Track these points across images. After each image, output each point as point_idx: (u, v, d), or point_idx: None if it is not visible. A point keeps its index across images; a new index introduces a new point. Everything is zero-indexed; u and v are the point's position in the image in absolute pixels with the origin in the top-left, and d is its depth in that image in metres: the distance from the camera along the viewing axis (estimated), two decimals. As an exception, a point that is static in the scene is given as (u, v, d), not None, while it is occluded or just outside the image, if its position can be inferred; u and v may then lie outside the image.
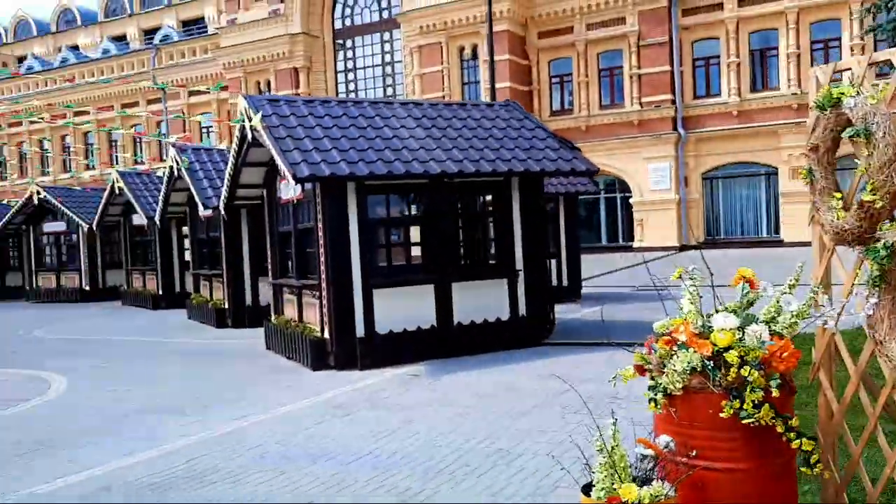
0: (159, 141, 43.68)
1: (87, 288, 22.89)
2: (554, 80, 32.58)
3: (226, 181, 11.80)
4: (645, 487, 2.89)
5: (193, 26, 51.14)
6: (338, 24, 37.53)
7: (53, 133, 47.07)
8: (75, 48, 57.56)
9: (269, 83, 37.94)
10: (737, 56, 28.91)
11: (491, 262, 10.34)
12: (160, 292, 19.32)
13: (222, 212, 12.42)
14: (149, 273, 19.94)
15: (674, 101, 29.87)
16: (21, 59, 60.50)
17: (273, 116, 9.66)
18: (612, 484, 2.96)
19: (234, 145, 11.07)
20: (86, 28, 58.75)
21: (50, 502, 5.09)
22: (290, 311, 10.98)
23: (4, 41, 63.44)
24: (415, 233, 10.52)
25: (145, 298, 19.82)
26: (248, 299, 14.48)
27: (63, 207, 22.30)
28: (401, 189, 9.94)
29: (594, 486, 3.04)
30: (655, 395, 3.19)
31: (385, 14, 36.08)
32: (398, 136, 9.95)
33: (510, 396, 7.39)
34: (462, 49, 32.95)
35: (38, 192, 22.76)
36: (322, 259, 9.31)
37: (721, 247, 28.95)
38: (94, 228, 21.41)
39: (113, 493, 5.15)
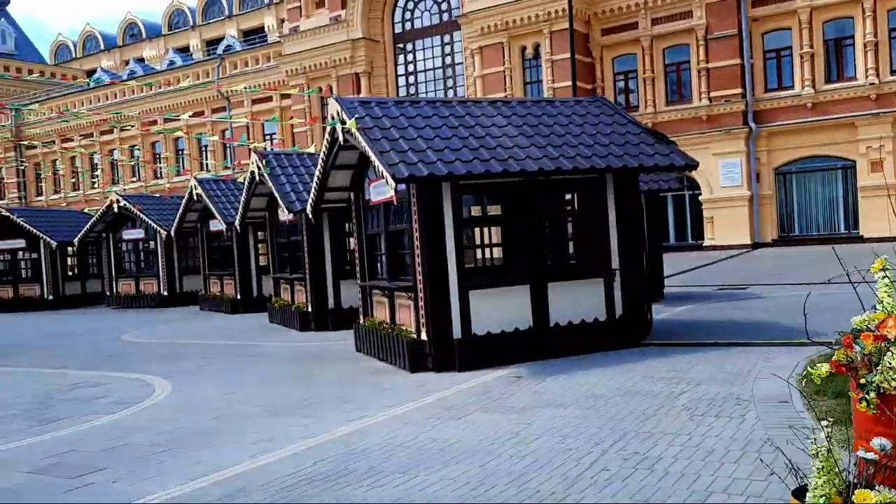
0: (225, 147, 44.60)
1: (166, 293, 23.43)
2: (618, 77, 32.13)
3: (314, 185, 11.83)
4: (873, 493, 2.70)
5: (254, 36, 52.16)
6: (397, 28, 37.74)
7: (123, 143, 48.40)
8: (140, 60, 59.31)
9: (331, 89, 38.31)
10: (810, 46, 28.01)
11: (586, 261, 10.13)
12: (238, 297, 19.62)
13: (309, 215, 12.50)
14: (226, 278, 20.28)
15: (744, 95, 29.11)
16: (90, 73, 62.59)
17: (367, 118, 9.64)
18: (831, 489, 2.77)
19: (323, 148, 11.06)
20: (150, 41, 60.53)
21: (194, 502, 5.12)
22: (382, 313, 10.96)
23: (74, 56, 65.74)
24: (500, 232, 10.39)
25: (223, 303, 20.17)
26: (331, 302, 14.57)
27: (142, 215, 22.89)
28: (495, 188, 9.81)
29: (810, 490, 2.86)
30: (867, 394, 2.99)
31: (445, 16, 36.13)
32: (490, 134, 9.82)
33: (626, 398, 7.20)
34: (524, 49, 32.75)
35: (118, 201, 23.39)
36: (418, 261, 9.26)
37: (795, 244, 28.09)
38: (172, 235, 21.90)
39: (251, 495, 5.16)
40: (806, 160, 28.79)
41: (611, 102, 11.49)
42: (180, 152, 46.78)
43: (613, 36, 31.66)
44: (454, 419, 6.86)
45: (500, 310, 9.38)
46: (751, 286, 16.87)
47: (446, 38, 36.47)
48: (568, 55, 30.66)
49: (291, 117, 32.67)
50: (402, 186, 9.30)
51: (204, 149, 46.03)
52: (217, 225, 20.35)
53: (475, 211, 9.88)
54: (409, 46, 37.64)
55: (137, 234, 24.03)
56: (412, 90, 37.55)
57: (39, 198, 52.92)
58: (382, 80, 37.65)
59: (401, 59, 37.88)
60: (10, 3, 62.30)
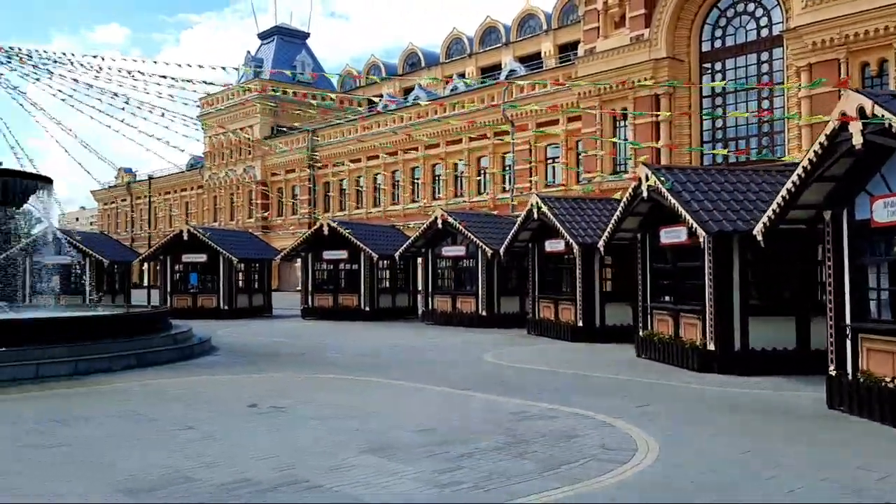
0: (504, 175, 44.54)
1: (484, 313, 22.76)
2: None
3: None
4: None
5: (530, 62, 52.10)
6: (705, 47, 35.14)
7: (402, 165, 50.23)
8: (416, 88, 61.96)
9: (624, 111, 36.57)
10: None
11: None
12: (579, 323, 18.20)
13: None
14: (563, 302, 19.00)
15: None
16: (370, 101, 66.62)
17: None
18: None
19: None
20: (429, 69, 63.05)
21: None
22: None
23: (356, 84, 70.48)
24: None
25: (558, 329, 18.89)
26: (737, 342, 12.48)
27: (467, 232, 22.46)
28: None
29: None
30: None
31: (765, 32, 32.92)
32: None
33: None
34: (865, 65, 28.69)
35: (442, 216, 23.22)
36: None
37: None
38: (501, 254, 21.13)
39: None
40: None
41: None
42: (460, 175, 47.51)
43: None
44: None
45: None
46: None
47: (763, 56, 33.20)
48: (932, 70, 26.17)
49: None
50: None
51: (483, 171, 46.33)
52: (555, 245, 19.20)
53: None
54: (718, 66, 34.84)
55: (457, 251, 23.70)
56: (718, 111, 34.66)
57: (340, 213, 56.46)
58: (685, 101, 35.17)
59: (706, 79, 35.16)
60: (310, 37, 68.20)
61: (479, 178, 46.61)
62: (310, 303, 27.91)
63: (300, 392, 11.04)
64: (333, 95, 64.90)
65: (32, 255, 28.73)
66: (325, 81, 65.46)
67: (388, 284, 27.75)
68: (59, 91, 17.74)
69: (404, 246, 25.06)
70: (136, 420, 9.00)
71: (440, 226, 23.43)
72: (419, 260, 29.13)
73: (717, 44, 34.84)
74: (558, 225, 18.19)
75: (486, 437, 8.00)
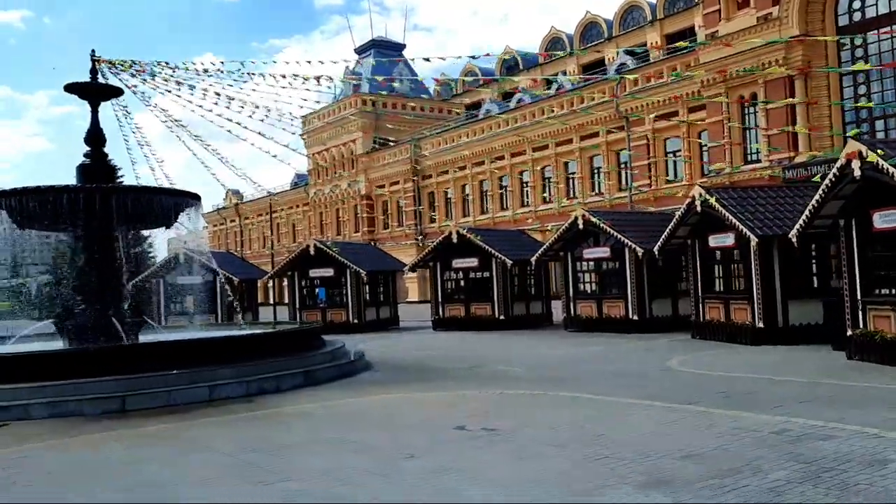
0: (619, 172, 42.71)
1: (636, 318, 21.23)
2: None
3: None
4: None
5: (635, 57, 50.01)
6: (842, 21, 32.44)
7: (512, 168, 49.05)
8: (516, 91, 60.81)
9: (754, 95, 34.22)
10: None
11: None
12: (759, 324, 16.47)
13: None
14: (736, 302, 17.31)
15: None
16: (468, 107, 65.95)
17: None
18: None
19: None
20: (527, 71, 61.79)
21: None
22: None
23: (455, 91, 69.98)
24: None
25: (732, 331, 17.22)
26: None
27: (612, 231, 21.05)
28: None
29: None
30: None
31: (913, -1, 30.04)
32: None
33: None
34: None
35: (583, 216, 21.89)
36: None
37: None
38: (656, 253, 19.59)
39: None
40: None
41: None
42: (571, 175, 45.96)
43: None
44: None
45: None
46: None
47: (913, 26, 30.25)
48: None
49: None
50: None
51: (596, 171, 44.64)
52: (722, 239, 17.55)
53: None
54: (858, 41, 32.04)
55: (601, 252, 22.26)
56: (861, 90, 31.88)
57: (446, 221, 55.81)
58: (822, 81, 32.53)
59: (844, 56, 32.43)
60: (406, 48, 68.22)
61: (592, 178, 44.94)
62: (440, 313, 27.00)
63: (504, 411, 9.93)
64: (432, 104, 64.82)
65: (166, 276, 29.12)
66: (423, 92, 65.30)
67: (518, 291, 26.51)
68: (200, 107, 17.47)
69: (542, 249, 23.82)
70: (346, 448, 8.10)
71: (581, 226, 22.08)
72: (551, 265, 27.91)
73: (857, 17, 32.09)
74: (731, 217, 16.53)
75: (772, 463, 6.64)
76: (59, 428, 9.99)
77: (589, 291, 22.97)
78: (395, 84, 62.99)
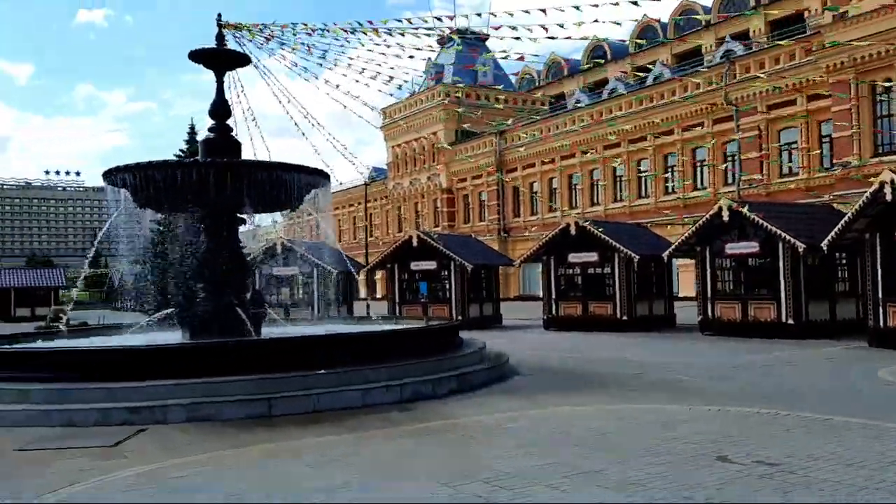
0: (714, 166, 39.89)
1: (790, 321, 18.92)
2: None
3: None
4: None
5: (743, 43, 46.99)
6: None
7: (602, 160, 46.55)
8: (603, 83, 58.39)
9: (888, 80, 31.15)
10: None
11: None
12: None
13: None
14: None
15: None
16: (552, 99, 63.71)
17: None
18: None
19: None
20: (616, 62, 59.18)
21: None
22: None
23: (537, 84, 67.83)
24: None
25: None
26: None
27: (765, 223, 18.77)
28: None
29: None
30: None
31: None
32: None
33: None
34: None
35: (735, 206, 19.67)
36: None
37: None
38: (825, 248, 17.26)
39: None
40: None
41: None
42: (670, 168, 43.32)
43: None
44: None
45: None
46: None
47: None
48: None
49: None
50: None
51: (699, 164, 41.89)
52: (915, 234, 15.13)
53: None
54: None
55: (748, 247, 19.98)
56: None
57: (519, 217, 53.72)
58: (973, 62, 29.35)
59: None
60: (489, 39, 66.24)
61: (693, 170, 42.18)
62: (554, 312, 25.06)
63: (752, 435, 7.94)
64: (515, 96, 62.74)
65: (261, 267, 27.97)
66: (505, 83, 63.28)
67: (640, 290, 24.35)
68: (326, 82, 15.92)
69: (676, 243, 21.68)
70: (595, 481, 6.30)
71: (725, 218, 19.85)
72: (674, 262, 25.72)
73: None
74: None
75: None
76: (206, 436, 8.51)
77: (731, 291, 20.69)
78: (478, 73, 61.27)
